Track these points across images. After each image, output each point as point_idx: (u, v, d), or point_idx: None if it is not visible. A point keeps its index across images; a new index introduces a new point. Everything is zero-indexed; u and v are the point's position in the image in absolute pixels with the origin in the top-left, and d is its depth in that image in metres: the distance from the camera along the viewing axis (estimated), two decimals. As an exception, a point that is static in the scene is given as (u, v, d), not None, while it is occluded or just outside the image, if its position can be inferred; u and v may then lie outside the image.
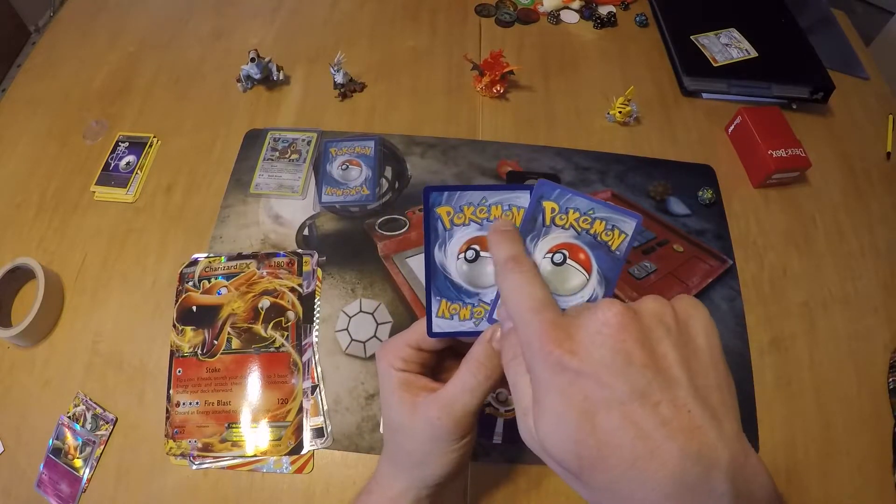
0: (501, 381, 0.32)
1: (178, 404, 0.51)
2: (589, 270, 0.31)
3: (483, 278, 0.33)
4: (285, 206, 0.63)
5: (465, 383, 0.31)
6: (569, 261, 0.31)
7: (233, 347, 0.53)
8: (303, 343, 0.54)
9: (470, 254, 0.33)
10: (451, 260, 0.33)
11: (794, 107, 0.74)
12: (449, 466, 0.33)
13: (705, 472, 0.20)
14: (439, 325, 0.33)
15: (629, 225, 0.31)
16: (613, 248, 0.31)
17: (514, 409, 0.51)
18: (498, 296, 0.32)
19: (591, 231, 0.31)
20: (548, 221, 0.31)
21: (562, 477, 0.24)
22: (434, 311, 0.33)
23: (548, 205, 0.31)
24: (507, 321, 0.28)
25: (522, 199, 0.32)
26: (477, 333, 0.32)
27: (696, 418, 0.21)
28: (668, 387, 0.21)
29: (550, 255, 0.31)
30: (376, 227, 0.62)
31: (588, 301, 0.31)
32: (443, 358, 0.36)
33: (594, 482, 0.21)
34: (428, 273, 0.33)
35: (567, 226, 0.31)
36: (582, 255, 0.31)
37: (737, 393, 0.24)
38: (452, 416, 0.31)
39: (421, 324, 0.33)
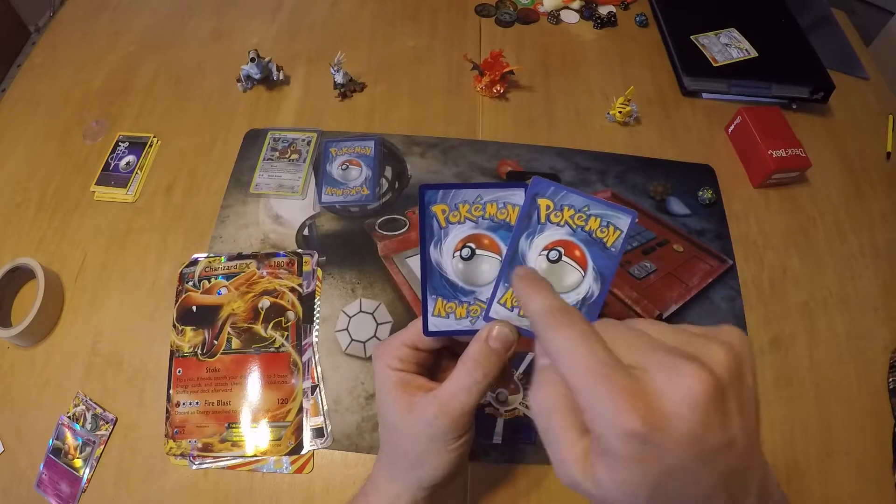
0: (498, 380, 0.32)
1: (178, 404, 0.51)
2: (584, 267, 0.31)
3: (479, 276, 0.33)
4: (285, 206, 0.63)
5: (462, 382, 0.31)
6: (564, 258, 0.31)
7: (233, 347, 0.53)
8: (303, 343, 0.54)
9: (465, 252, 0.33)
10: (447, 258, 0.33)
11: (794, 107, 0.74)
12: (446, 467, 0.33)
13: (743, 500, 0.22)
14: (435, 323, 0.33)
15: (624, 221, 0.31)
16: (609, 244, 0.31)
17: (514, 409, 0.51)
18: (494, 294, 0.32)
19: (586, 228, 0.31)
20: (543, 219, 0.31)
21: None
22: (430, 309, 0.33)
23: (542, 202, 0.31)
24: (542, 358, 0.26)
25: (517, 196, 0.32)
26: (473, 332, 0.32)
27: (744, 461, 0.22)
28: (730, 446, 0.22)
29: (546, 252, 0.32)
30: (376, 227, 0.62)
31: (584, 298, 0.31)
32: (440, 358, 0.36)
33: None
34: (424, 271, 0.33)
35: (562, 223, 0.31)
36: (577, 252, 0.31)
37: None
38: (449, 416, 0.31)
39: (417, 323, 0.33)
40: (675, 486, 0.22)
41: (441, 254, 0.33)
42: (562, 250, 0.31)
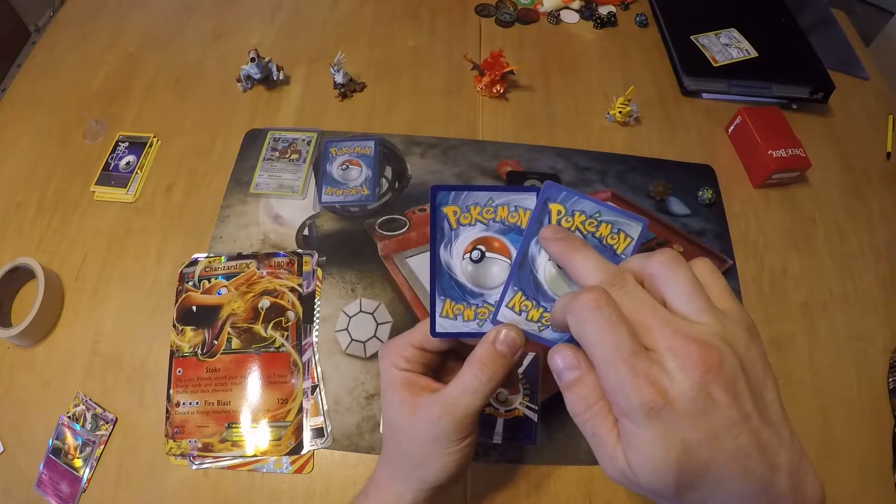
0: (504, 383, 0.32)
1: (178, 404, 0.51)
2: None
3: (488, 279, 0.33)
4: (285, 206, 0.63)
5: (468, 384, 0.31)
6: None
7: (233, 347, 0.53)
8: (303, 343, 0.54)
9: (475, 254, 0.33)
10: (457, 260, 0.33)
11: (794, 107, 0.74)
12: (448, 469, 0.33)
13: (773, 476, 0.24)
14: (443, 325, 0.33)
15: (635, 229, 0.31)
16: (619, 251, 0.31)
17: (514, 409, 0.51)
18: (502, 297, 0.32)
19: (597, 234, 0.31)
20: (553, 223, 0.31)
21: (651, 498, 0.26)
22: (438, 310, 0.33)
23: (554, 207, 0.31)
24: (574, 370, 0.26)
25: (529, 200, 0.32)
26: (480, 335, 0.32)
27: (764, 436, 0.24)
28: (746, 419, 0.24)
29: None
30: (376, 227, 0.62)
31: None
32: (446, 359, 0.36)
33: (687, 499, 0.24)
34: (433, 272, 0.33)
35: (573, 228, 0.31)
36: None
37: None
38: (454, 417, 0.31)
39: (425, 324, 0.33)
40: (698, 456, 0.23)
41: (451, 255, 0.33)
42: None
